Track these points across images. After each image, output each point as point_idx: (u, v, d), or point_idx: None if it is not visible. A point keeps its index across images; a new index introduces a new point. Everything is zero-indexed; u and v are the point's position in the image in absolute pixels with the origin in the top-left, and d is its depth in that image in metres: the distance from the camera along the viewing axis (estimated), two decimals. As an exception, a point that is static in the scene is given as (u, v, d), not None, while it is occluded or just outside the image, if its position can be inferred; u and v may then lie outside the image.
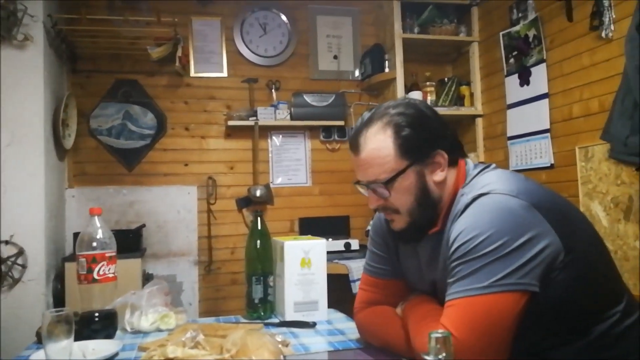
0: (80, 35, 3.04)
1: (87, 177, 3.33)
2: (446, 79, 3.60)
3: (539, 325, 1.02)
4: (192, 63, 3.53)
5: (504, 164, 3.16)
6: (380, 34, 3.71)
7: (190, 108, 3.53)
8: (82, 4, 3.07)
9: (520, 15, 3.08)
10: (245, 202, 3.55)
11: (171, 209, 3.42)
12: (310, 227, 3.50)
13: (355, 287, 2.75)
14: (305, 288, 1.60)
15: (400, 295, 1.27)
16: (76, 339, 1.15)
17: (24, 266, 2.61)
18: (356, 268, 2.82)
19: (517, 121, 3.12)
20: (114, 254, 1.48)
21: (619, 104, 2.28)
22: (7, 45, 2.63)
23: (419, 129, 1.12)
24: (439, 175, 1.13)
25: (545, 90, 2.88)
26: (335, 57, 3.80)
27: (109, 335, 1.40)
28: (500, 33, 3.22)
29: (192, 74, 3.53)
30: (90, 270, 1.42)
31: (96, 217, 1.48)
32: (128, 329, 1.49)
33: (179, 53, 3.20)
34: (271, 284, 1.67)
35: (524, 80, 3.04)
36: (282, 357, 1.14)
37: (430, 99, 3.50)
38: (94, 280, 1.43)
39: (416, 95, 3.43)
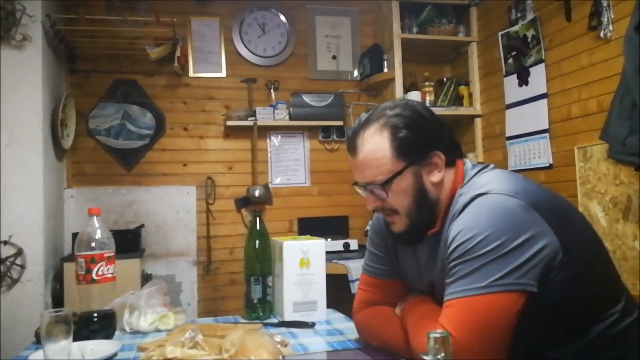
0: (79, 35, 3.04)
1: (86, 177, 3.33)
2: (445, 79, 3.61)
3: (538, 325, 1.02)
4: (191, 63, 3.53)
5: (502, 164, 3.16)
6: (379, 34, 3.71)
7: (189, 108, 3.53)
8: (80, 4, 3.06)
9: (518, 15, 3.08)
10: (244, 202, 3.55)
11: (170, 209, 3.42)
12: (309, 227, 3.51)
13: (354, 287, 2.75)
14: (304, 288, 1.60)
15: (399, 296, 1.27)
16: (75, 339, 1.15)
17: (22, 266, 2.61)
18: (355, 268, 2.82)
19: (516, 121, 3.12)
20: (112, 254, 1.48)
21: (618, 104, 2.29)
22: (6, 46, 2.63)
23: (416, 130, 1.12)
24: (436, 176, 1.13)
25: (544, 90, 2.89)
26: (334, 57, 3.80)
27: (108, 335, 1.40)
28: (499, 33, 3.22)
29: (191, 74, 3.53)
30: (89, 271, 1.42)
31: (95, 217, 1.48)
32: (127, 329, 1.49)
33: (178, 53, 3.20)
34: (270, 284, 1.67)
35: (523, 81, 3.05)
36: (281, 357, 1.14)
37: (429, 99, 3.50)
38: (93, 281, 1.43)
39: (415, 95, 3.43)
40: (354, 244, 3.25)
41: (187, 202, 3.46)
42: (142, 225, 3.27)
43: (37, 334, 1.33)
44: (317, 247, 1.62)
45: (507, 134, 3.19)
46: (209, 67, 3.57)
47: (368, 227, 1.42)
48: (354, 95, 3.80)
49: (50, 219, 2.83)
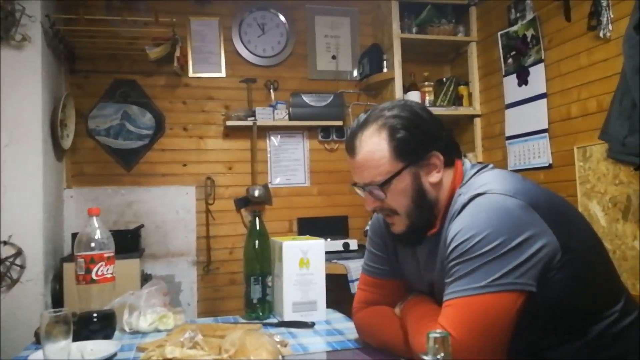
0: (79, 36, 3.04)
1: (86, 178, 3.33)
2: (444, 79, 3.61)
3: (537, 325, 1.02)
4: (191, 63, 3.53)
5: (502, 164, 3.16)
6: (379, 34, 3.71)
7: (189, 108, 3.53)
8: (80, 4, 3.06)
9: (518, 15, 3.08)
10: (244, 202, 3.54)
11: (170, 209, 3.42)
12: (309, 227, 3.51)
13: (354, 287, 2.75)
14: (303, 288, 1.60)
15: (398, 295, 1.27)
16: (74, 339, 1.15)
17: (22, 267, 2.61)
18: (355, 268, 2.82)
19: (515, 121, 3.12)
20: (112, 254, 1.48)
21: (617, 103, 2.29)
22: (5, 46, 2.63)
23: (414, 131, 1.12)
24: (434, 177, 1.13)
25: (543, 90, 2.89)
26: (333, 57, 3.80)
27: (108, 335, 1.40)
28: (499, 33, 3.22)
29: (191, 74, 3.53)
30: (88, 271, 1.42)
31: (94, 218, 1.48)
32: (126, 329, 1.49)
33: (177, 53, 3.20)
34: (270, 284, 1.67)
35: (522, 80, 3.05)
36: (280, 357, 1.15)
37: (428, 99, 3.50)
38: (92, 281, 1.42)
39: (414, 95, 3.44)
40: (353, 244, 3.25)
41: (187, 202, 3.46)
42: (142, 226, 3.26)
43: (36, 334, 1.33)
44: (316, 247, 1.62)
45: (507, 134, 3.20)
46: (208, 67, 3.57)
47: (368, 227, 1.42)
48: (353, 95, 3.80)
49: (50, 219, 2.83)
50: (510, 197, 1.02)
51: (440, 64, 3.89)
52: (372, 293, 1.32)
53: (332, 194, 3.69)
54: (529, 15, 2.98)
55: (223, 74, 3.59)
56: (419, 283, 1.24)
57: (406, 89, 3.47)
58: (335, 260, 2.96)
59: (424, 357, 0.75)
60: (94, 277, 1.42)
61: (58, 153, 3.04)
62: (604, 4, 2.43)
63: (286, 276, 1.59)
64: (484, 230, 0.99)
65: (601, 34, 2.45)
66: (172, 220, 3.42)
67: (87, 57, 3.33)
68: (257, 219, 1.69)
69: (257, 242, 1.67)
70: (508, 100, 3.18)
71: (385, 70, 3.54)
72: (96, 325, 1.39)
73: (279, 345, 1.21)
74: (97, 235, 1.46)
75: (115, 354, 1.26)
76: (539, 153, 2.92)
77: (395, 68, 3.41)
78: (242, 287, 1.69)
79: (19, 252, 2.60)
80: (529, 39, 2.98)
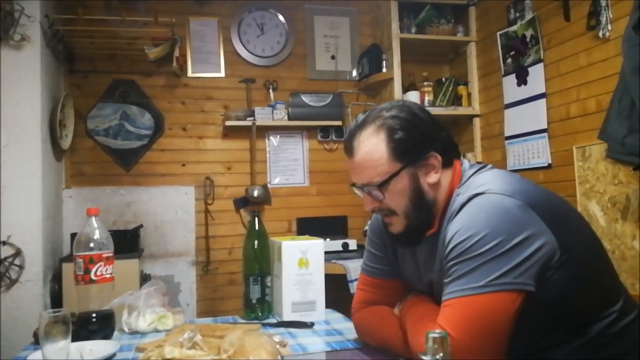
0: (78, 36, 3.04)
1: (85, 178, 3.33)
2: (444, 79, 3.61)
3: (536, 324, 1.02)
4: (190, 63, 3.52)
5: (501, 164, 3.17)
6: (378, 34, 3.72)
7: (188, 108, 3.53)
8: (79, 4, 3.06)
9: (517, 15, 3.08)
10: (243, 202, 3.55)
11: (169, 209, 3.42)
12: (308, 227, 3.51)
13: (353, 287, 2.75)
14: (302, 288, 1.60)
15: (397, 295, 1.27)
16: (73, 339, 1.15)
17: (21, 267, 2.61)
18: (354, 268, 2.82)
19: (515, 121, 3.12)
20: (111, 254, 1.48)
21: (616, 103, 2.29)
22: (4, 46, 2.62)
23: (412, 131, 1.12)
24: (433, 177, 1.13)
25: (542, 90, 2.89)
26: (332, 57, 3.80)
27: (107, 335, 1.40)
28: (498, 33, 3.22)
29: (190, 74, 3.53)
30: (87, 271, 1.42)
31: (93, 218, 1.48)
32: (125, 329, 1.49)
33: (177, 53, 3.20)
34: (269, 284, 1.66)
35: (522, 80, 3.05)
36: (279, 357, 1.14)
37: (427, 99, 3.50)
38: (91, 281, 1.42)
39: (414, 95, 3.44)
40: (352, 244, 3.25)
41: (186, 202, 3.46)
42: (141, 226, 3.26)
43: (35, 335, 1.33)
44: (315, 247, 1.62)
45: (506, 134, 3.20)
46: (207, 67, 3.57)
47: (367, 227, 1.42)
48: (352, 95, 3.80)
49: (49, 219, 2.83)
50: (509, 197, 1.02)
51: (440, 64, 3.89)
52: (371, 293, 1.32)
53: (331, 194, 3.69)
54: (528, 15, 2.98)
55: (222, 74, 3.59)
56: (418, 283, 1.24)
57: (405, 89, 3.47)
58: (334, 260, 2.96)
59: (423, 357, 0.75)
60: (93, 277, 1.42)
61: (57, 153, 3.03)
62: (603, 4, 2.43)
63: (285, 276, 1.59)
64: (482, 230, 0.99)
65: (600, 34, 2.45)
66: (171, 221, 3.42)
67: (86, 57, 3.33)
68: (256, 219, 1.69)
69: (256, 242, 1.67)
70: (507, 100, 3.19)
71: (384, 70, 3.54)
72: (95, 325, 1.39)
73: (278, 346, 1.21)
74: (96, 236, 1.46)
75: (114, 354, 1.26)
76: (538, 153, 2.92)
77: (394, 68, 3.41)
78: (241, 287, 1.69)
79: (18, 252, 2.60)
80: (528, 39, 2.98)
